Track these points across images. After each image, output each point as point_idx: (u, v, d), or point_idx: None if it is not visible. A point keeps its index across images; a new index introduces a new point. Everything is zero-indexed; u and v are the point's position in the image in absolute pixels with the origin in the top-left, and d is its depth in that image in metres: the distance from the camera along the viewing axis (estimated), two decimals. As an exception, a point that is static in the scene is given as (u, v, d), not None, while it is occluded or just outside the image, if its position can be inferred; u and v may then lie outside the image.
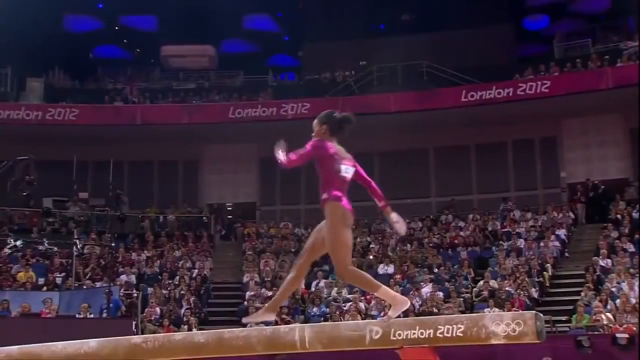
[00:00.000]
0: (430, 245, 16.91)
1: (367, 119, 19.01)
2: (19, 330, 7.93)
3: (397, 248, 16.99)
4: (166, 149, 20.11)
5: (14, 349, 4.29)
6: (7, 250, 13.70)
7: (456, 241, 17.00)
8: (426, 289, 14.16)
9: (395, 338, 3.42)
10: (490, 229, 17.42)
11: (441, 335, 3.28)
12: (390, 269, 15.74)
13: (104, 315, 12.11)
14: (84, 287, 13.84)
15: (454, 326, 3.24)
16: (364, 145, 20.23)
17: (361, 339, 3.53)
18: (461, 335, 3.22)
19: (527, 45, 23.31)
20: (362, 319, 11.96)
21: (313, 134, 4.31)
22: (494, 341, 3.13)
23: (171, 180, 20.88)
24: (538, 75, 18.80)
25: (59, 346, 4.21)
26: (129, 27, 24.50)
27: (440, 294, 13.92)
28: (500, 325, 3.11)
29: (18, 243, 12.50)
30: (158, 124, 19.32)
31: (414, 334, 3.37)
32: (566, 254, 16.33)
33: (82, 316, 11.49)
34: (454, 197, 19.47)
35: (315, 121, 4.38)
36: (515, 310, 11.64)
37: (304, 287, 15.24)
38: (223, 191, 21.15)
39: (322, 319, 13.13)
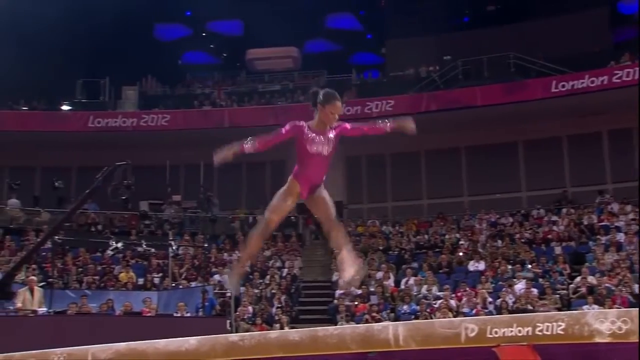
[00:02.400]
0: (522, 240, 16.44)
1: (454, 114, 18.80)
2: (123, 328, 8.32)
3: (488, 244, 16.63)
4: (254, 150, 20.49)
5: (121, 345, 4.52)
6: (109, 252, 14.41)
7: (550, 236, 16.46)
8: (520, 286, 13.78)
9: (491, 336, 3.37)
10: (586, 223, 16.75)
11: (540, 333, 3.19)
12: (481, 266, 15.43)
13: (200, 313, 12.51)
14: (180, 286, 14.35)
15: (554, 324, 3.15)
16: (450, 140, 20.03)
17: (456, 336, 3.49)
18: (562, 333, 3.12)
19: (623, 30, 22.19)
20: (454, 317, 11.80)
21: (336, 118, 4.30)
22: (597, 339, 3.02)
23: (259, 181, 21.28)
24: (637, 61, 17.88)
25: (162, 343, 4.39)
26: (215, 32, 25.21)
27: (535, 291, 13.52)
28: (605, 322, 3.00)
29: (119, 245, 13.12)
30: (245, 126, 19.72)
31: (511, 331, 3.30)
32: (671, 248, 15.46)
33: (179, 315, 11.91)
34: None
35: (338, 103, 4.28)
36: (617, 308, 11.14)
37: (393, 284, 15.21)
38: (310, 190, 21.35)
39: (413, 316, 13.04)
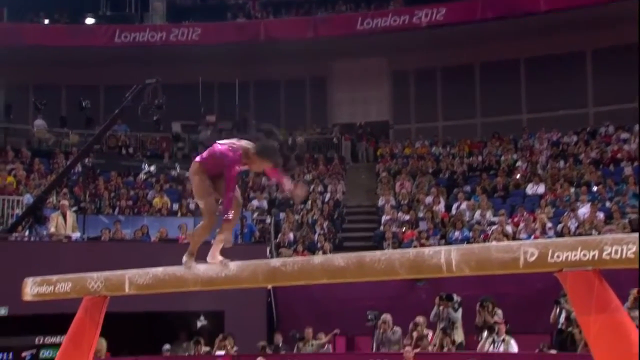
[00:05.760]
0: (588, 161, 16.15)
1: (513, 22, 18.19)
2: (159, 254, 8.57)
3: (548, 165, 16.40)
4: (292, 67, 20.36)
5: (158, 270, 4.67)
6: (142, 176, 14.71)
7: (619, 155, 16.10)
8: (583, 210, 13.62)
9: (553, 260, 3.34)
10: (661, 140, 16.29)
11: (608, 257, 3.15)
12: (541, 189, 15.27)
13: (238, 240, 12.78)
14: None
15: (624, 247, 3.09)
16: (509, 51, 19.48)
17: (514, 261, 3.48)
18: (632, 257, 3.07)
19: None
20: (510, 244, 11.77)
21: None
22: (673, 263, 2.98)
23: (298, 100, 21.23)
24: None
25: (201, 269, 4.52)
26: None
27: (601, 215, 13.35)
28: (683, 246, 2.95)
29: (152, 169, 13.39)
30: (282, 39, 19.53)
31: (575, 255, 3.26)
32: None
33: (216, 241, 12.17)
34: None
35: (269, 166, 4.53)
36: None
37: (443, 209, 15.21)
38: (353, 110, 21.25)
39: (465, 243, 13.08)
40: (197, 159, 4.57)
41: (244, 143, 4.46)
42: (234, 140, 4.52)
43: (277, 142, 4.45)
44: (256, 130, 4.49)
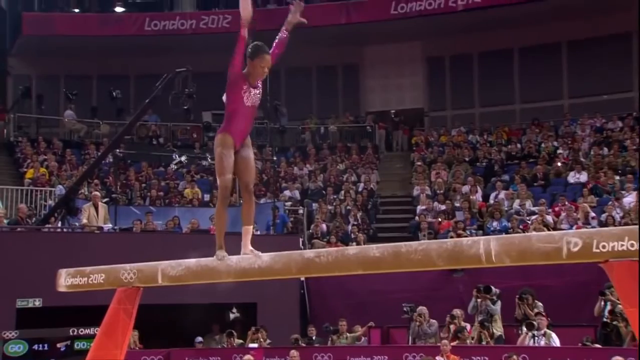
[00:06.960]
0: (634, 147, 15.86)
1: (554, 3, 17.88)
2: (191, 245, 8.65)
3: (591, 153, 16.15)
4: (324, 53, 20.33)
5: (191, 261, 4.71)
6: (173, 166, 14.85)
7: (666, 142, 15.81)
8: (629, 199, 13.41)
9: (598, 250, 3.29)
10: None
11: (657, 247, 3.10)
12: (583, 177, 15.07)
13: (271, 231, 12.86)
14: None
15: (674, 237, 3.04)
16: (549, 34, 19.18)
17: (557, 252, 3.43)
18: (684, 247, 3.02)
19: None
20: (551, 234, 11.63)
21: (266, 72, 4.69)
22: None
23: (331, 88, 21.18)
24: None
25: (234, 260, 4.54)
26: None
27: (646, 205, 13.14)
28: None
29: (183, 159, 13.49)
30: (314, 25, 19.44)
31: (622, 245, 3.21)
32: None
33: (249, 232, 12.25)
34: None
35: (267, 57, 4.68)
36: None
37: (481, 199, 15.10)
38: (387, 97, 21.15)
39: (503, 234, 12.96)
40: (220, 129, 4.62)
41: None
42: None
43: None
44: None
